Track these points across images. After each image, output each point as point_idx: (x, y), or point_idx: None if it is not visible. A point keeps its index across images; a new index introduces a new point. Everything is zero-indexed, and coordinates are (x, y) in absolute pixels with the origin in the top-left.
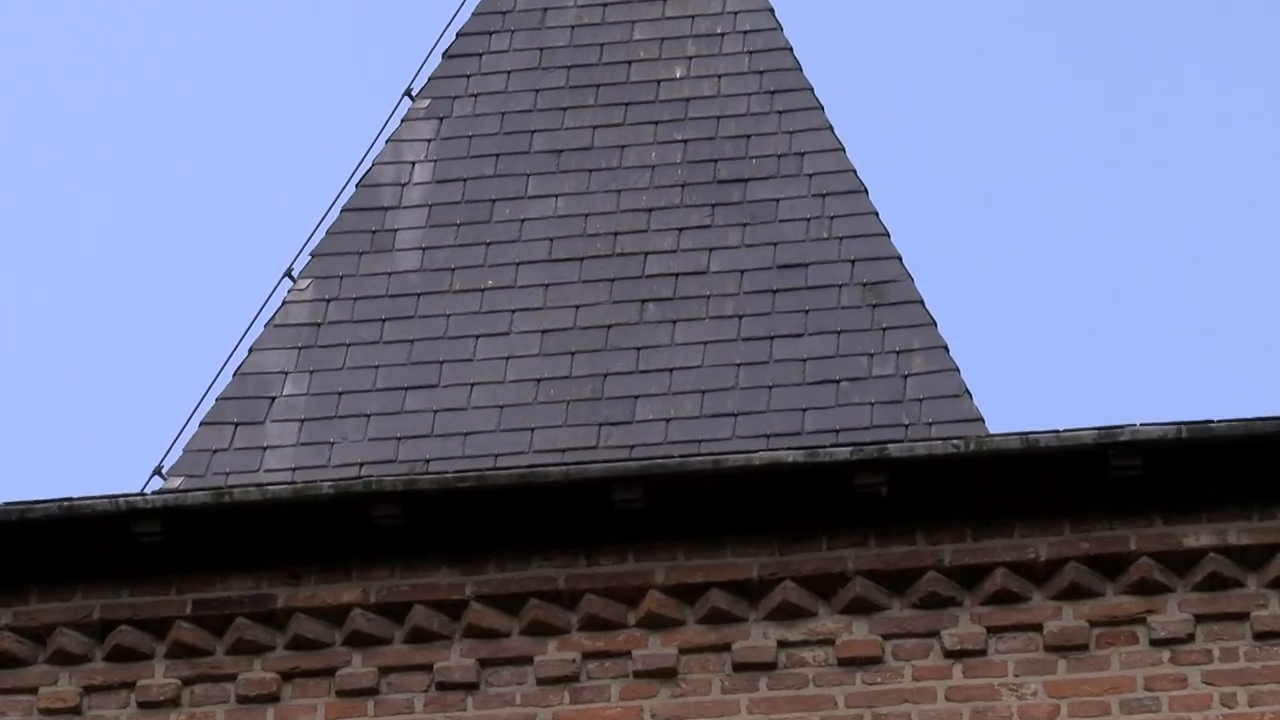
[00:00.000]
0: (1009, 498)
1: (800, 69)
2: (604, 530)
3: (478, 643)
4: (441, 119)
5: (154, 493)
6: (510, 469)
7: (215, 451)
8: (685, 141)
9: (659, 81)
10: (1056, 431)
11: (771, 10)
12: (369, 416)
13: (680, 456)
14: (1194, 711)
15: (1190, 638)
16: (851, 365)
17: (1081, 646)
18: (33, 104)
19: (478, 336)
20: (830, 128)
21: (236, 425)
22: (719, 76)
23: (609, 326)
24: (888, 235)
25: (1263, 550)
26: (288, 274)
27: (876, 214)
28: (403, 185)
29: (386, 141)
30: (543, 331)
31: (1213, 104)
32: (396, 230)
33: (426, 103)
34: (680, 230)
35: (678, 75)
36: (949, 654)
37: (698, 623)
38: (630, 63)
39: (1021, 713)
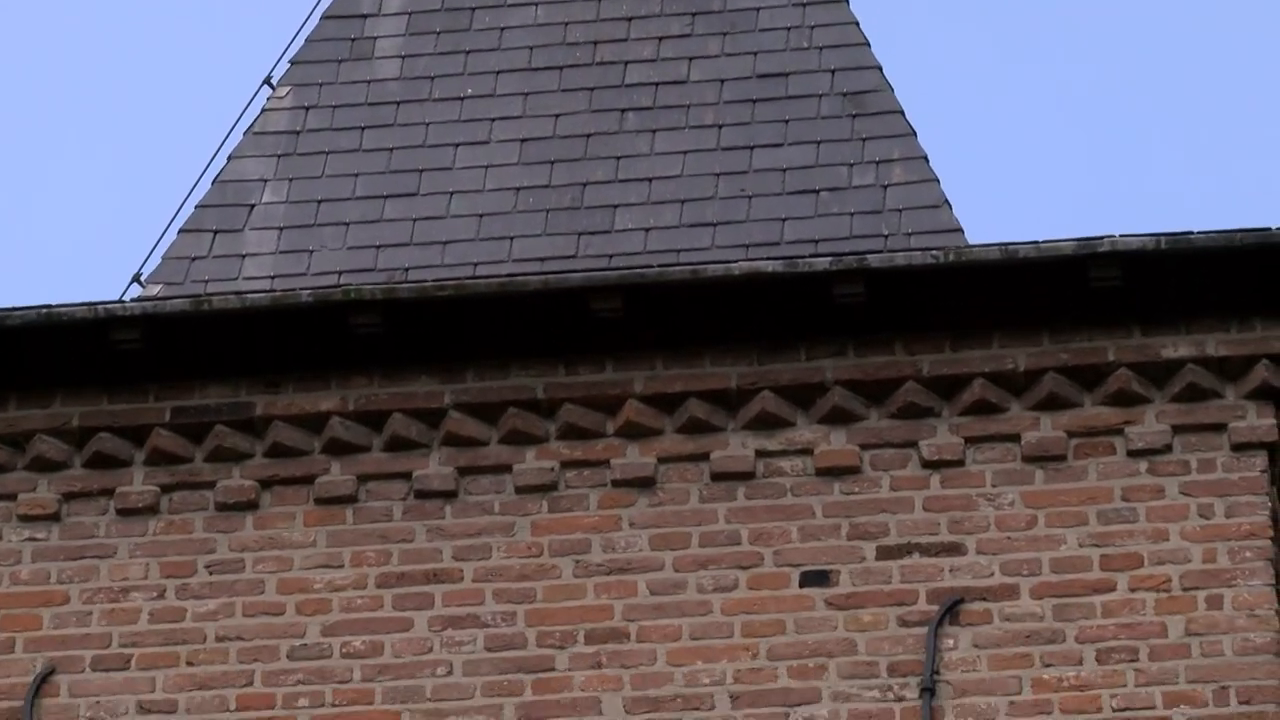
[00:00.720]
0: (988, 308)
1: None
2: (583, 339)
3: (456, 451)
4: None
5: (133, 300)
6: (489, 278)
7: (194, 259)
8: None
9: None
10: (1036, 242)
11: None
12: (348, 225)
13: (659, 266)
14: (1171, 522)
15: (1168, 448)
16: (831, 175)
17: (1059, 457)
18: None
19: (457, 145)
20: None
21: (215, 233)
22: None
23: (588, 136)
24: (868, 45)
25: (1241, 361)
26: (267, 81)
27: (857, 23)
28: None
29: None
30: (522, 140)
31: None
32: (376, 38)
33: None
34: (660, 39)
35: None
36: (927, 464)
37: (676, 432)
38: None
39: (999, 523)
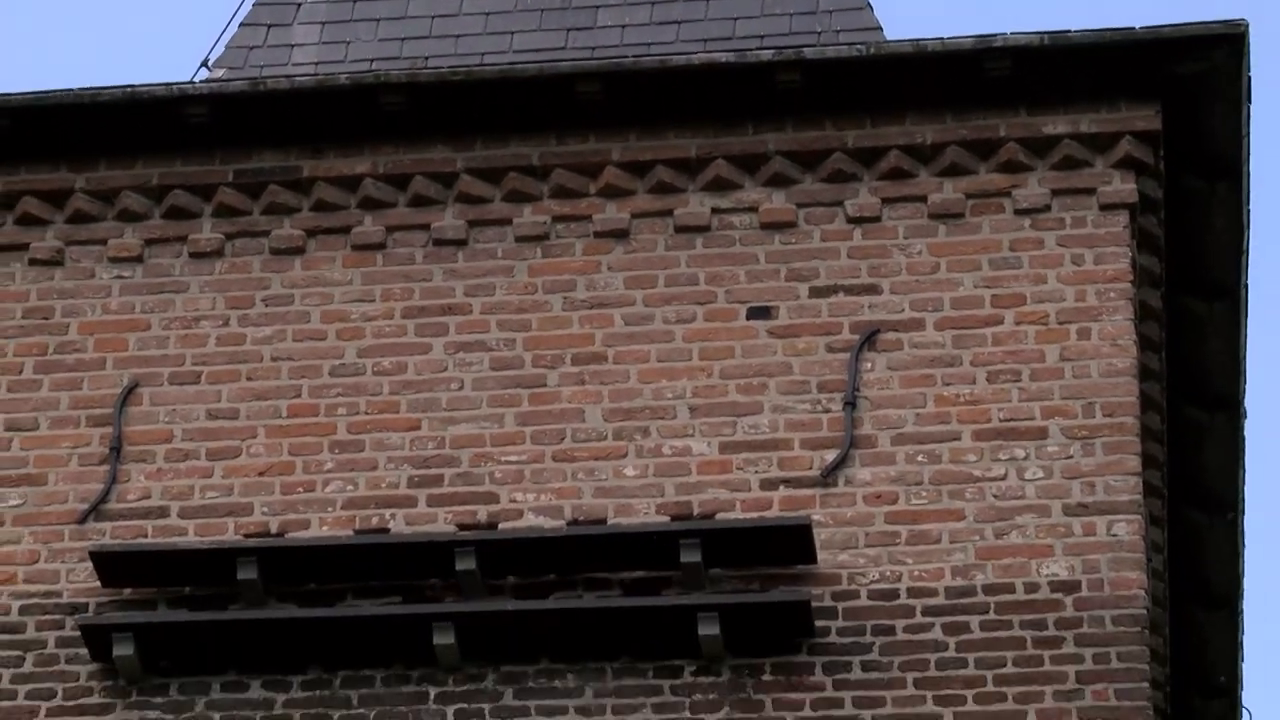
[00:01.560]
0: (902, 93)
1: None
2: (570, 117)
3: (467, 207)
4: None
5: (201, 81)
6: (494, 65)
7: (252, 48)
8: None
9: None
10: (941, 39)
11: None
12: (378, 21)
13: (633, 57)
14: (1049, 269)
15: (1047, 208)
16: None
17: (958, 215)
18: None
19: None
20: None
21: (270, 27)
22: None
23: None
24: None
25: (1108, 137)
26: None
27: None
28: None
29: None
30: None
31: None
32: None
33: None
34: None
35: None
36: (850, 220)
37: (646, 193)
38: None
39: (909, 268)
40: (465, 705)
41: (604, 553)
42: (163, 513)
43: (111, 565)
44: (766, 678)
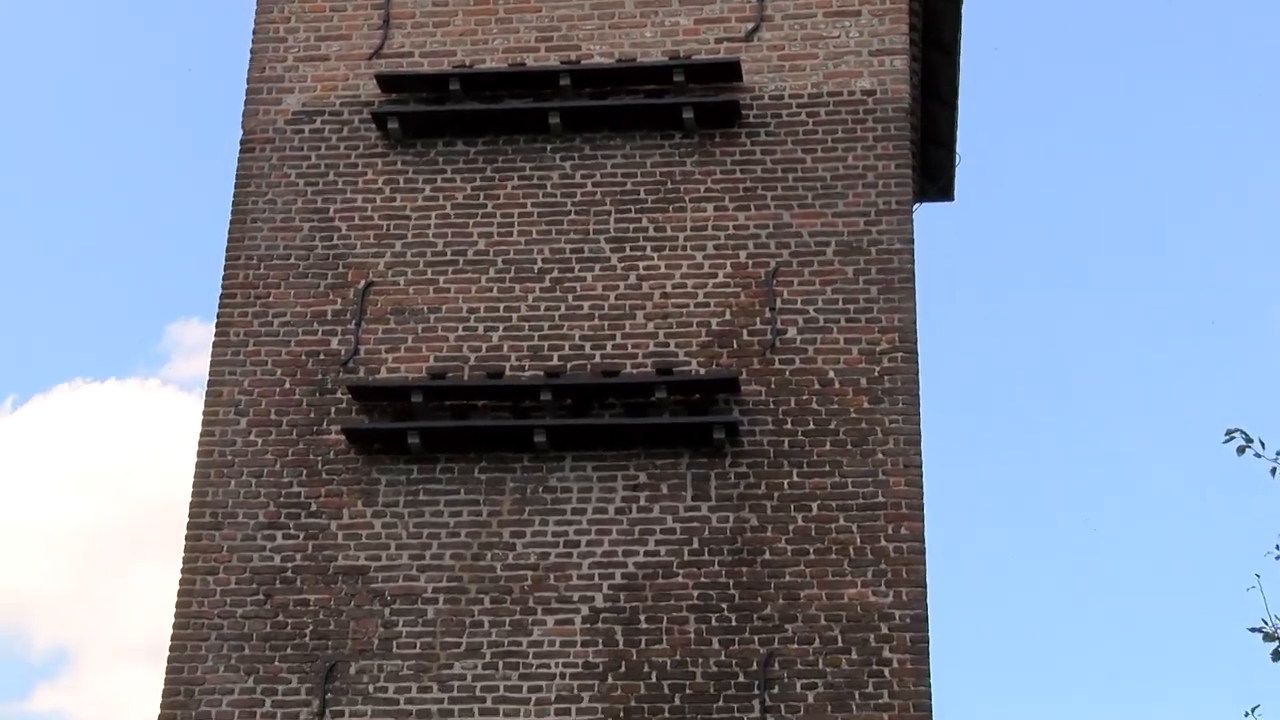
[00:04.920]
0: None
1: None
2: None
3: None
4: None
5: None
6: None
7: None
8: None
9: None
10: None
11: None
12: None
13: None
14: None
15: None
16: None
17: None
18: None
19: None
20: None
21: None
22: None
23: None
24: None
25: None
26: None
27: None
28: None
29: None
30: None
31: None
32: None
33: None
34: None
35: None
36: None
37: None
38: None
39: None
40: (564, 153)
41: (635, 76)
42: (410, 54)
43: (386, 81)
44: (717, 140)
